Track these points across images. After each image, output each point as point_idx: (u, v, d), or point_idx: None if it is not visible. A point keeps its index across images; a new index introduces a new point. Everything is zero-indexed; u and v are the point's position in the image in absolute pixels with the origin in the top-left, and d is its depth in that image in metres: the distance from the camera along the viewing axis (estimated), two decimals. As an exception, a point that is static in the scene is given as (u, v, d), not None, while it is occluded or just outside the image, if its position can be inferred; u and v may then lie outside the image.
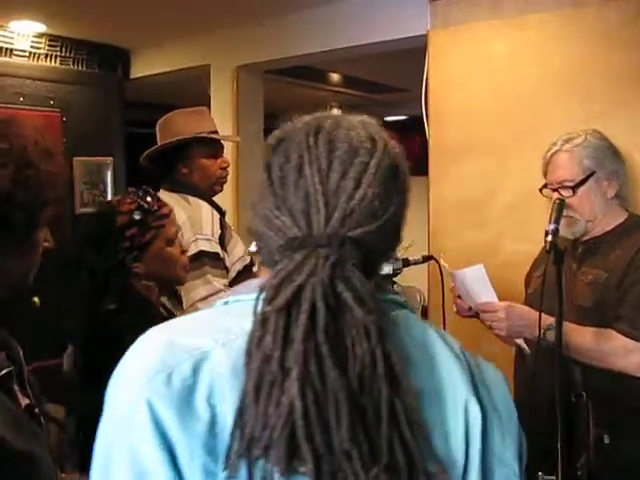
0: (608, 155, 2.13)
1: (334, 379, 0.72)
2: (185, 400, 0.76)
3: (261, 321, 0.75)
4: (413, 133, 6.59)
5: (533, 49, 2.81)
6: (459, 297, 2.23)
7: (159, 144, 2.73)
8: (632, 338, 1.93)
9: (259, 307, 0.76)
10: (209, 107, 4.03)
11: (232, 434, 0.73)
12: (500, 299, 2.11)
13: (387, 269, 1.95)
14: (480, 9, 2.94)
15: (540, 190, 2.19)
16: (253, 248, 0.92)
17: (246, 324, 0.77)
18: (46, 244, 1.25)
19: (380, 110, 6.95)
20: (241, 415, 0.73)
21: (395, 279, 2.01)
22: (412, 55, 3.23)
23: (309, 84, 5.38)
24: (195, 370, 0.77)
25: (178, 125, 2.71)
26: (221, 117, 3.84)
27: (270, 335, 0.73)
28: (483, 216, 2.89)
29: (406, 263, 2.05)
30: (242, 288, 0.91)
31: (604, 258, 2.08)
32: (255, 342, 0.74)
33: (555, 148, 2.14)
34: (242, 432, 0.72)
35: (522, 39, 2.83)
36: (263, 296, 0.77)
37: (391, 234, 0.88)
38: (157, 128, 2.78)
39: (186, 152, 2.68)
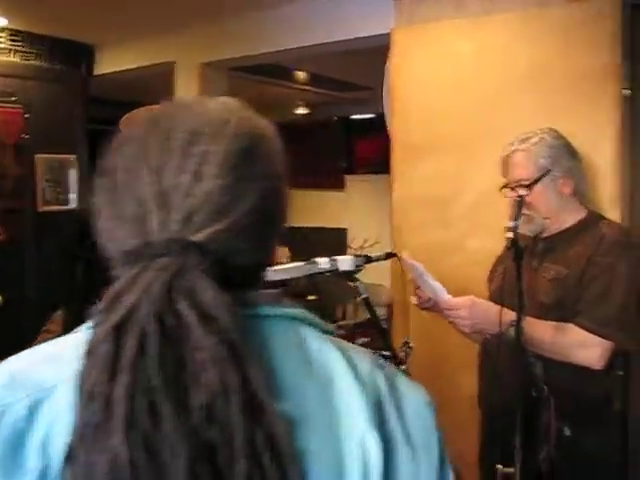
0: (564, 153, 2.16)
1: (168, 416, 0.60)
2: (13, 447, 0.65)
3: (87, 352, 0.63)
4: (379, 131, 6.65)
5: (498, 48, 2.83)
6: (419, 288, 2.25)
7: None
8: (591, 332, 1.96)
9: (89, 334, 0.65)
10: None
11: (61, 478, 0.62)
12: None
13: (348, 266, 1.96)
14: (445, 8, 2.96)
15: (500, 189, 2.21)
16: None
17: None
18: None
19: (347, 108, 7.00)
20: (68, 462, 0.62)
21: (358, 276, 2.01)
22: (378, 53, 3.24)
23: (275, 82, 5.38)
24: (32, 411, 0.66)
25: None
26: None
27: (96, 368, 0.62)
28: (447, 214, 2.91)
29: (368, 260, 2.04)
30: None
31: (564, 254, 2.11)
32: (81, 377, 0.63)
33: (512, 148, 2.17)
34: (65, 478, 0.61)
35: (487, 38, 2.86)
36: (93, 323, 0.65)
37: (256, 231, 0.73)
38: (120, 125, 2.74)
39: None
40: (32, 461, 0.65)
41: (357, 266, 1.99)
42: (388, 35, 3.10)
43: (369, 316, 2.08)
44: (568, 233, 2.15)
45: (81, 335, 0.71)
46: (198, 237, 0.68)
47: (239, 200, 0.71)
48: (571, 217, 2.17)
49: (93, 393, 0.61)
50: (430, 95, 2.99)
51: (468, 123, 2.87)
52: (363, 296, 2.01)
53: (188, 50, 4.11)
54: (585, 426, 2.04)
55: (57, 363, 0.70)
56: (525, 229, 2.12)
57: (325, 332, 0.80)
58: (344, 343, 0.80)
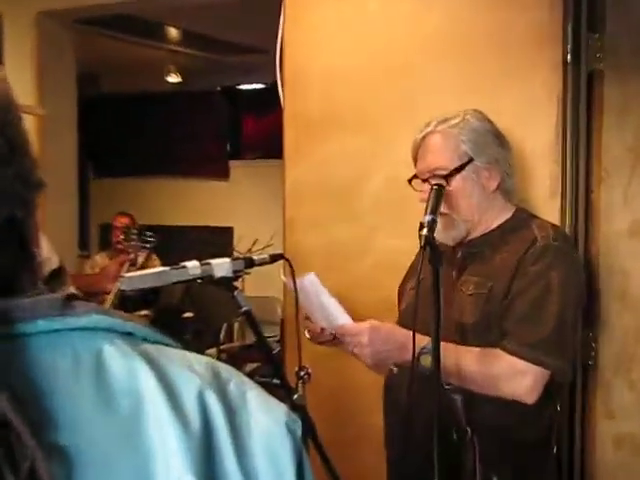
0: (489, 139, 2.16)
1: None
2: None
3: None
4: (273, 106, 6.65)
5: (407, 8, 2.82)
6: (307, 318, 2.24)
7: None
8: (520, 357, 1.97)
9: None
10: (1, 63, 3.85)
11: None
12: (376, 309, 2.13)
13: (225, 271, 1.91)
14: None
15: (410, 181, 2.21)
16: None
17: None
18: None
19: (233, 77, 6.95)
20: None
21: (237, 284, 1.96)
22: (270, 7, 3.18)
23: (138, 40, 5.26)
24: None
25: None
26: (18, 79, 3.65)
27: None
28: (351, 206, 2.89)
29: (249, 263, 2.00)
30: None
31: (488, 263, 2.12)
32: None
33: (428, 129, 2.17)
34: None
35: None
36: None
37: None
38: None
39: None
40: None
41: (236, 271, 1.96)
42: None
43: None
44: (492, 237, 2.17)
45: None
46: None
47: None
48: (496, 217, 2.19)
49: None
50: (330, 61, 2.94)
51: (376, 96, 2.85)
52: (244, 309, 1.95)
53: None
54: (514, 472, 2.06)
55: None
56: (444, 236, 2.12)
57: (155, 342, 0.76)
58: (162, 355, 0.74)
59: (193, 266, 1.91)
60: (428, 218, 1.92)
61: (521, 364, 1.97)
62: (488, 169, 2.14)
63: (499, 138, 2.20)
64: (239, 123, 7.79)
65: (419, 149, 2.20)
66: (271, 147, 7.26)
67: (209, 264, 1.93)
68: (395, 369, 2.17)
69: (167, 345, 0.76)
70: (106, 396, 0.68)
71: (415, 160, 2.22)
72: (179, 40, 5.51)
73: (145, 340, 0.75)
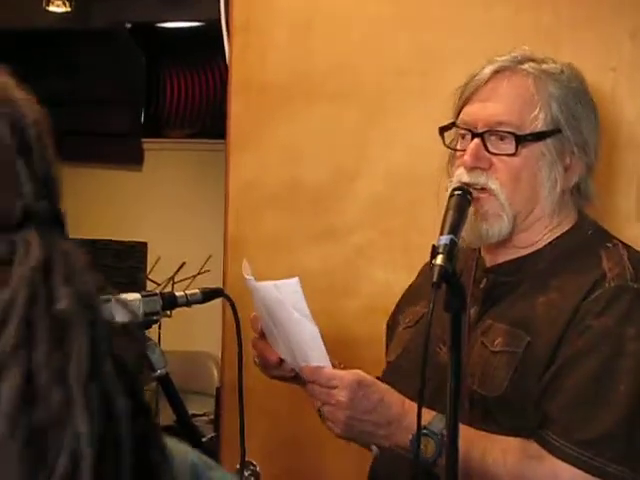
0: (588, 116, 2.19)
1: None
2: None
3: None
4: (209, 56, 6.68)
5: None
6: (261, 338, 2.25)
7: None
8: (566, 459, 1.96)
9: None
10: None
11: None
12: (366, 369, 2.13)
13: (127, 313, 1.94)
14: None
15: (441, 132, 2.22)
16: None
17: None
18: None
19: (147, 7, 6.98)
20: None
21: (149, 334, 2.02)
22: None
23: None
24: None
25: None
26: None
27: None
28: (330, 215, 2.97)
29: (170, 303, 2.07)
30: None
31: (527, 304, 2.13)
32: None
33: (504, 63, 2.17)
34: None
35: None
36: None
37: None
38: None
39: None
40: None
41: (150, 314, 2.00)
42: None
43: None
44: (538, 262, 2.19)
45: None
46: None
47: None
48: (553, 228, 2.20)
49: None
50: (303, 2, 3.04)
51: (371, 48, 2.91)
52: (158, 372, 2.00)
53: None
54: None
55: None
56: (475, 229, 2.12)
57: None
58: None
59: None
60: (445, 240, 1.91)
61: (570, 471, 1.95)
62: (573, 153, 2.16)
63: (597, 118, 2.22)
64: (160, 81, 7.75)
65: (482, 87, 2.17)
66: (204, 119, 7.29)
67: (109, 300, 1.97)
68: (375, 450, 2.19)
69: None
70: None
71: (465, 101, 2.21)
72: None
73: None
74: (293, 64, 3.03)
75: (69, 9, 6.72)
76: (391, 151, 2.87)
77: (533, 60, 2.14)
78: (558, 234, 2.20)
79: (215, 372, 6.47)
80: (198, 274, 6.10)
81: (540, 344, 2.04)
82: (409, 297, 2.42)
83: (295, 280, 2.07)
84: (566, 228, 2.21)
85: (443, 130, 2.20)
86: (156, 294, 2.02)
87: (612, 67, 2.58)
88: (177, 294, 2.08)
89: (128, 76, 7.70)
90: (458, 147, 2.17)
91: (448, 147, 2.19)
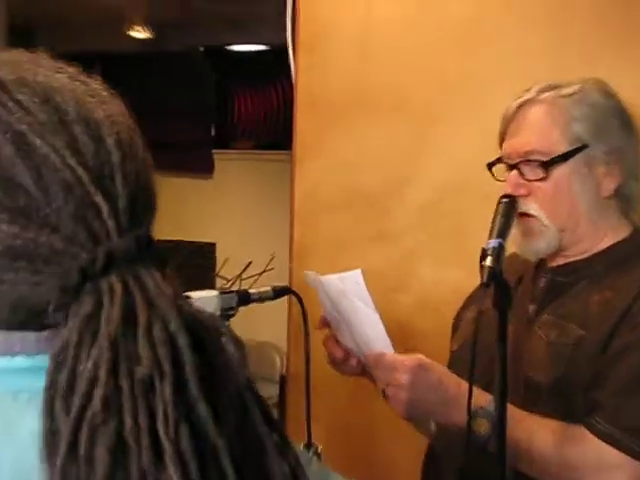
0: (614, 122, 2.14)
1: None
2: None
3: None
4: (274, 76, 6.68)
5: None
6: (330, 338, 2.23)
7: None
8: (615, 445, 1.93)
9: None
10: None
11: None
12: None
13: (210, 308, 1.94)
14: None
15: (489, 167, 2.21)
16: None
17: None
18: None
19: (219, 34, 7.00)
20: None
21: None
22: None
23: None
24: None
25: None
26: None
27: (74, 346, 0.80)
28: (384, 223, 2.96)
29: (244, 299, 2.06)
30: None
31: (582, 302, 2.11)
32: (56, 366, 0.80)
33: (528, 96, 2.15)
34: None
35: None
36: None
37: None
38: None
39: None
40: None
41: (225, 310, 2.00)
42: None
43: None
44: (594, 264, 2.15)
45: None
46: (145, 230, 0.88)
47: (151, 179, 0.94)
48: (605, 236, 2.15)
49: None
50: (360, 23, 3.03)
51: (422, 70, 2.92)
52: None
53: None
54: None
55: None
56: (525, 248, 2.11)
57: None
58: None
59: None
60: (494, 243, 1.91)
61: (615, 455, 1.93)
62: (607, 163, 2.11)
63: (627, 121, 2.16)
64: (229, 98, 7.79)
65: (511, 122, 2.17)
66: (270, 133, 7.32)
67: (189, 297, 1.96)
68: (433, 427, 2.20)
69: None
70: None
71: (502, 137, 2.20)
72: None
73: None
74: (351, 83, 3.03)
75: (149, 35, 6.76)
76: (439, 162, 2.87)
77: (552, 88, 2.12)
78: (613, 242, 2.16)
79: (277, 360, 6.42)
80: (263, 272, 6.08)
81: (592, 337, 2.01)
82: (467, 303, 2.41)
83: (358, 272, 2.09)
84: (621, 237, 2.17)
85: (491, 165, 2.20)
86: (232, 291, 2.02)
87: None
88: (251, 291, 2.07)
89: (201, 94, 7.73)
90: (501, 178, 2.17)
91: (496, 179, 2.18)
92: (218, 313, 1.94)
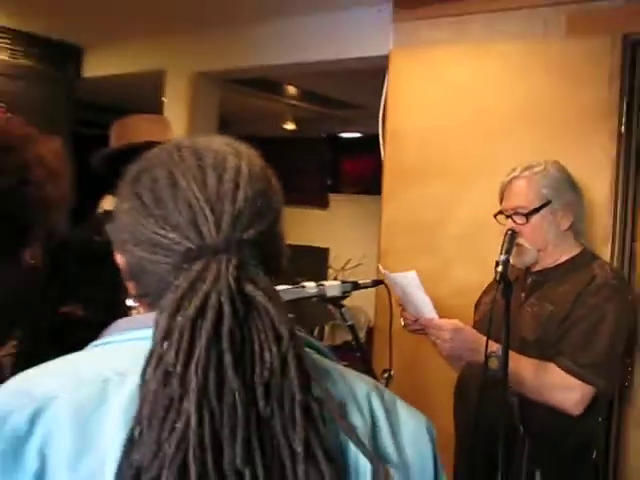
0: (566, 186, 2.15)
1: (233, 391, 0.69)
2: (13, 447, 0.72)
3: (162, 338, 0.71)
4: (367, 151, 6.66)
5: (495, 77, 2.85)
6: (403, 309, 2.25)
7: (114, 146, 2.66)
8: (572, 374, 1.94)
9: (161, 324, 0.73)
10: (161, 113, 3.98)
11: (120, 465, 0.69)
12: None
13: (336, 292, 1.95)
14: (444, 33, 2.97)
15: (495, 216, 2.20)
16: (131, 302, 0.89)
17: (104, 367, 0.76)
18: (32, 262, 1.23)
19: (335, 126, 7.00)
20: (130, 444, 0.69)
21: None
22: (371, 73, 3.25)
23: (265, 95, 5.37)
24: (33, 418, 0.73)
25: (136, 129, 2.65)
26: (173, 125, 3.78)
27: (172, 351, 0.70)
28: (434, 241, 2.91)
29: (355, 287, 2.04)
30: (121, 325, 0.87)
31: (551, 291, 2.10)
32: (154, 363, 0.71)
33: (514, 174, 2.16)
34: (130, 462, 0.68)
35: (484, 66, 2.88)
36: (165, 313, 0.73)
37: (278, 237, 0.86)
38: (112, 129, 2.71)
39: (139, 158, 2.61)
40: (30, 462, 0.71)
41: (344, 292, 2.00)
42: (382, 57, 3.13)
43: (346, 340, 2.08)
44: (559, 269, 2.14)
45: (87, 353, 0.83)
46: (248, 235, 0.78)
47: (269, 207, 0.83)
48: (565, 253, 2.15)
49: (169, 374, 0.69)
50: (424, 120, 3.00)
51: (460, 151, 2.89)
52: (349, 323, 1.99)
53: (180, 59, 4.07)
54: (559, 473, 2.02)
55: (61, 377, 0.78)
56: (517, 261, 2.11)
57: (323, 355, 0.88)
58: (341, 367, 0.87)
59: (310, 286, 1.96)
60: (503, 258, 1.93)
61: (572, 380, 1.94)
62: (563, 210, 2.12)
63: (574, 186, 2.18)
64: (339, 163, 7.78)
65: (505, 190, 2.18)
66: (363, 184, 7.32)
67: (323, 285, 1.97)
68: (463, 364, 2.21)
69: (327, 356, 0.88)
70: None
71: (501, 199, 2.20)
72: (296, 96, 5.60)
73: (326, 356, 0.88)
74: (417, 158, 3.00)
75: (295, 127, 6.80)
76: (469, 208, 2.82)
77: (527, 169, 2.14)
78: (570, 256, 2.16)
79: (362, 317, 6.33)
80: (357, 265, 6.08)
81: (558, 311, 2.03)
82: (485, 291, 2.38)
83: (414, 272, 2.09)
84: (574, 253, 2.17)
85: (496, 215, 2.21)
86: (348, 282, 2.01)
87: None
88: (359, 281, 2.07)
89: (323, 161, 7.74)
90: (502, 222, 2.19)
91: (499, 222, 2.20)
92: (340, 295, 1.94)
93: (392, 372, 2.19)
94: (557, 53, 2.68)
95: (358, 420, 0.80)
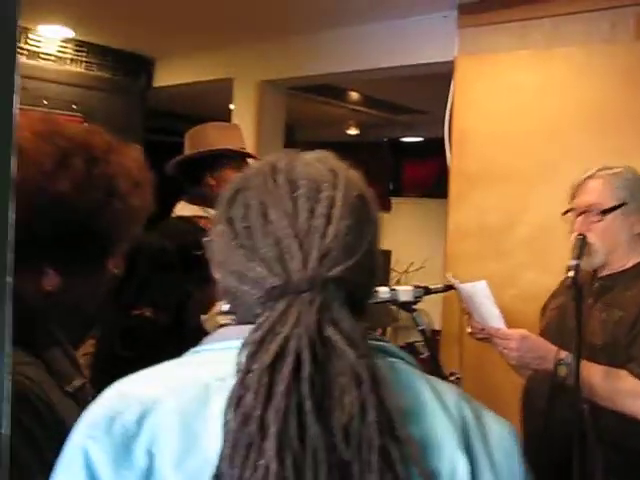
0: None
1: (315, 436, 0.68)
2: (124, 447, 0.74)
3: (242, 379, 0.72)
4: (429, 155, 6.63)
5: (560, 82, 2.83)
6: (470, 317, 2.21)
7: (188, 153, 2.75)
8: None
9: (241, 363, 0.73)
10: (229, 120, 4.07)
11: None
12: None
13: (408, 297, 1.96)
14: (509, 38, 2.97)
15: (564, 213, 2.16)
16: (226, 307, 0.89)
17: (204, 373, 0.78)
18: (115, 271, 1.25)
19: (397, 131, 7.01)
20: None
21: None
22: (434, 78, 3.27)
23: (329, 101, 5.42)
24: (141, 418, 0.76)
25: (210, 137, 2.73)
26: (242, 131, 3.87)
27: (251, 394, 0.70)
28: (502, 245, 2.90)
29: (427, 291, 2.05)
30: (216, 336, 0.87)
31: (620, 296, 2.04)
32: (234, 402, 0.71)
33: (589, 174, 2.12)
34: None
35: (549, 71, 2.86)
36: (245, 352, 0.73)
37: (369, 267, 0.83)
38: (187, 137, 2.79)
39: (216, 165, 2.69)
40: (139, 459, 0.74)
41: (416, 297, 2.00)
42: (446, 63, 3.14)
43: (408, 341, 2.09)
44: (628, 274, 2.07)
45: (188, 358, 0.85)
46: (335, 273, 0.76)
47: (361, 240, 0.80)
48: (632, 258, 2.09)
49: (248, 416, 0.69)
50: (490, 125, 2.99)
51: (526, 155, 2.87)
52: (420, 328, 2.01)
53: (247, 67, 4.16)
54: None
55: (164, 382, 0.80)
56: (585, 262, 2.07)
57: (408, 363, 0.87)
58: (427, 375, 0.86)
59: (383, 291, 1.98)
60: (574, 263, 1.90)
61: None
62: (637, 214, 2.07)
63: None
64: (400, 168, 7.77)
65: (578, 189, 2.13)
66: (425, 188, 7.30)
67: (395, 290, 2.00)
68: (529, 372, 2.15)
69: (415, 367, 0.87)
70: (406, 394, 0.80)
71: (573, 196, 2.14)
72: (359, 101, 5.63)
73: (409, 363, 0.87)
74: (483, 162, 2.98)
75: (358, 132, 6.82)
76: (536, 214, 2.81)
77: (604, 169, 2.08)
78: (636, 261, 2.10)
79: (425, 319, 6.21)
80: (419, 268, 6.05)
81: (627, 316, 1.97)
82: (551, 297, 2.32)
83: (484, 282, 2.07)
84: None
85: (564, 213, 2.15)
86: (420, 286, 2.02)
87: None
88: (431, 286, 2.07)
89: (385, 166, 7.71)
90: (568, 221, 2.13)
91: (566, 222, 2.14)
92: (412, 300, 1.96)
93: (458, 375, 2.19)
94: (624, 56, 2.65)
95: (448, 425, 0.80)
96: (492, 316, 2.10)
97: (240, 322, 0.84)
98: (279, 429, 0.67)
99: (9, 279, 0.82)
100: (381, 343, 0.84)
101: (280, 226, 0.78)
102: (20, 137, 0.90)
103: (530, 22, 2.93)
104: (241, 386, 0.71)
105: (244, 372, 0.72)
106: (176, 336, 2.30)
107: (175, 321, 2.42)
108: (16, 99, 0.90)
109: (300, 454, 0.67)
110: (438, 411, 0.80)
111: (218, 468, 0.69)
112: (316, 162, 0.85)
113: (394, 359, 0.84)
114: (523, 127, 2.90)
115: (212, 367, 0.79)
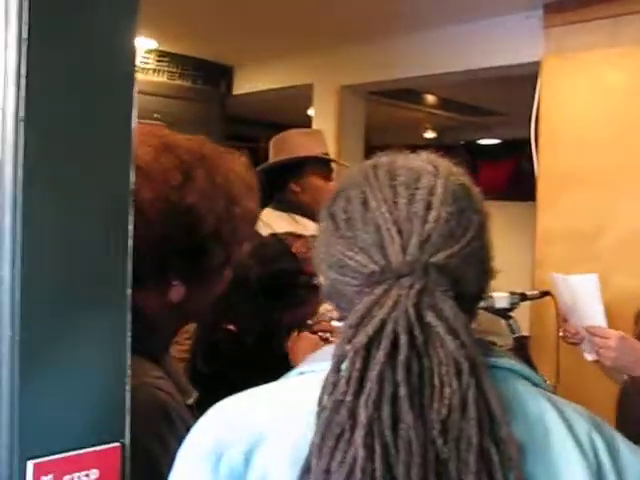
0: None
1: (409, 426, 0.63)
2: None
3: (335, 364, 0.68)
4: (506, 157, 6.52)
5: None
6: (566, 321, 2.17)
7: (273, 160, 2.77)
8: None
9: (337, 348, 0.70)
10: (310, 126, 4.08)
11: None
12: None
13: (504, 303, 1.92)
14: (597, 37, 2.88)
15: None
16: (337, 324, 0.89)
17: (311, 399, 0.70)
18: (229, 278, 1.26)
19: (474, 133, 6.91)
20: (306, 472, 0.66)
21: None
22: (513, 80, 3.19)
23: (407, 105, 5.38)
24: (248, 455, 0.71)
25: (294, 143, 2.75)
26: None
27: (344, 379, 0.67)
28: (592, 249, 2.82)
29: (523, 298, 2.00)
30: (320, 355, 0.83)
31: None
32: (328, 390, 0.68)
33: None
34: None
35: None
36: (339, 339, 0.70)
37: (478, 259, 0.79)
38: (271, 144, 2.82)
39: (300, 171, 2.70)
40: None
41: (512, 304, 1.95)
42: (534, 63, 3.06)
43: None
44: None
45: (294, 381, 0.81)
46: (437, 259, 0.73)
47: (465, 228, 0.77)
48: None
49: (339, 403, 0.66)
50: (579, 125, 2.91)
51: (617, 156, 2.79)
52: (516, 335, 1.96)
53: (326, 73, 4.16)
54: None
55: (270, 408, 0.76)
56: None
57: (535, 384, 0.80)
58: (555, 397, 0.79)
59: None
60: None
61: None
62: None
63: None
64: (476, 170, 7.70)
65: None
66: (502, 191, 7.17)
67: (492, 297, 1.95)
68: (625, 377, 2.07)
69: (545, 389, 0.81)
70: (527, 422, 0.74)
71: None
72: (435, 104, 5.57)
73: (536, 384, 0.80)
74: (573, 164, 2.91)
75: (435, 135, 6.78)
76: (627, 218, 2.73)
77: None
78: None
79: (503, 322, 6.11)
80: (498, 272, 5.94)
81: None
82: None
83: (595, 275, 2.01)
84: None
85: None
86: (516, 293, 1.97)
87: None
88: (527, 293, 2.02)
89: (461, 168, 7.63)
90: None
91: None
92: (508, 306, 1.91)
93: (548, 381, 2.13)
94: None
95: (578, 461, 0.73)
96: (595, 313, 2.04)
97: (342, 319, 0.80)
98: (370, 417, 0.63)
99: (129, 291, 0.83)
100: (505, 362, 0.79)
101: (379, 213, 0.76)
102: (139, 151, 0.90)
103: (619, 19, 2.83)
104: (335, 371, 0.68)
105: (338, 357, 0.69)
106: (260, 359, 2.30)
107: (262, 345, 2.42)
108: (134, 114, 0.90)
109: (392, 446, 0.63)
110: (569, 446, 0.73)
111: (306, 461, 0.66)
112: (418, 158, 0.84)
113: (519, 379, 0.79)
114: (613, 128, 2.80)
115: (313, 391, 0.72)
